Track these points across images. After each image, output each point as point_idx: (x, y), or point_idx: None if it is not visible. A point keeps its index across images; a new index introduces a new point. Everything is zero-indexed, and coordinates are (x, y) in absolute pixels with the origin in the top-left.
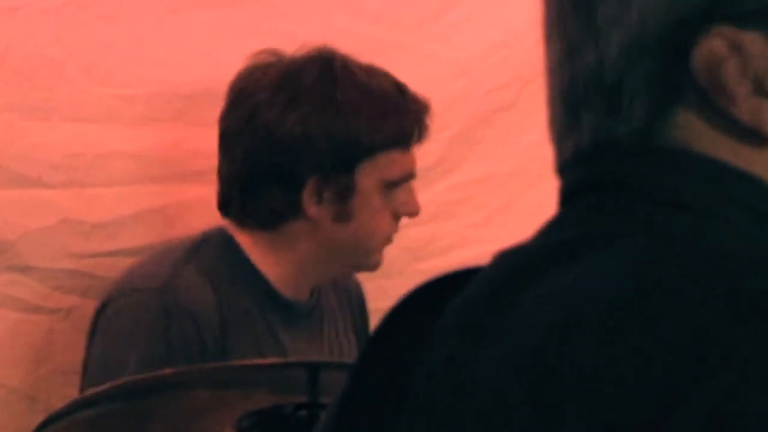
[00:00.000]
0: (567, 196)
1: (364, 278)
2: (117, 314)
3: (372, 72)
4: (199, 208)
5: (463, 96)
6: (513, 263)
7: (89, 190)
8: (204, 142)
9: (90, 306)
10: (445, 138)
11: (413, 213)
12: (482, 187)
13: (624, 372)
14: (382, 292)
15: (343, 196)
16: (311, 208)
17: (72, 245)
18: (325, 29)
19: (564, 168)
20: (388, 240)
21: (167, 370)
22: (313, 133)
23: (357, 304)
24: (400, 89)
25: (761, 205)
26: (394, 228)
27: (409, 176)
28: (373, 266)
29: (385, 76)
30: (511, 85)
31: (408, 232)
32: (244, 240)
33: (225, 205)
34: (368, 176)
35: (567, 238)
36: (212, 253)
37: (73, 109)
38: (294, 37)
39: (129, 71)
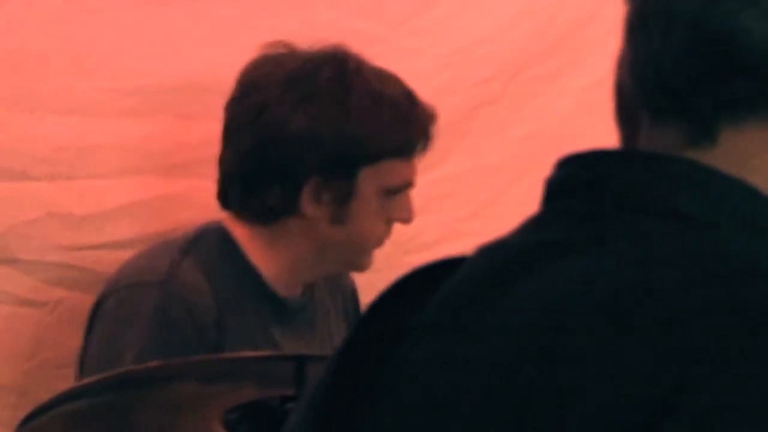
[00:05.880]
0: (555, 191)
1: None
2: (116, 308)
3: (384, 77)
4: (185, 200)
5: (448, 90)
6: (496, 260)
7: (75, 183)
8: (190, 135)
9: (78, 299)
10: None
11: (407, 220)
12: (468, 180)
13: (614, 376)
14: (372, 286)
15: (342, 199)
16: (308, 207)
17: (59, 238)
18: (311, 23)
19: (559, 163)
20: (380, 243)
21: (153, 363)
22: (320, 134)
23: (350, 300)
24: (411, 98)
25: (757, 216)
26: (388, 233)
27: (409, 185)
28: (363, 267)
29: (397, 82)
30: (497, 78)
31: (395, 225)
32: (241, 233)
33: (224, 196)
34: (369, 182)
35: (554, 237)
36: (209, 247)
37: (60, 102)
38: (279, 30)
39: (115, 64)
